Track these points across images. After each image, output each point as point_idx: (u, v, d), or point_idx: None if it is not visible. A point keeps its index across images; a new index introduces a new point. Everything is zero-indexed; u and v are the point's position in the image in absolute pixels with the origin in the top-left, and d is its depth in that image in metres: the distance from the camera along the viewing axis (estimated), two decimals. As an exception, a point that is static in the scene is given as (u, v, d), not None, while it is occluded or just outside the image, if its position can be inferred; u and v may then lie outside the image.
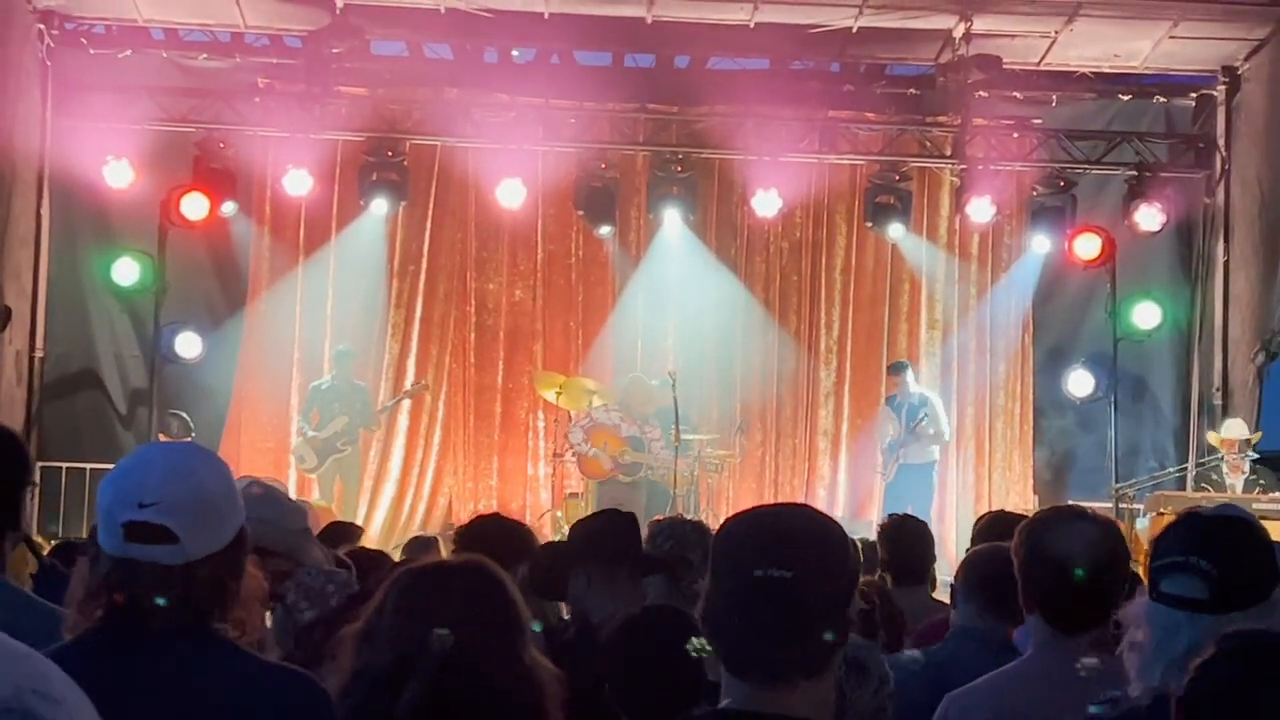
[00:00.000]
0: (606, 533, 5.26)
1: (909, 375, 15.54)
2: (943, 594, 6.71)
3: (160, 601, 2.84)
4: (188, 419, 14.73)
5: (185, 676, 2.86)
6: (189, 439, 13.92)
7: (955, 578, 4.89)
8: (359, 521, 14.11)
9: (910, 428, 15.21)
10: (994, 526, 5.33)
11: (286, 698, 2.94)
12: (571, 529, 5.71)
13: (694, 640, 2.53)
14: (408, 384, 16.27)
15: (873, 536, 6.93)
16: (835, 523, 2.63)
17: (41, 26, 14.96)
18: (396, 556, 7.33)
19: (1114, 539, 3.78)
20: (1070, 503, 8.84)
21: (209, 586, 2.88)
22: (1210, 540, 2.98)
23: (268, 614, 4.04)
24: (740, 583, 2.47)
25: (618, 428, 14.83)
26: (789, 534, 2.53)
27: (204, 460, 2.99)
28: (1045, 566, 3.72)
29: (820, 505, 15.94)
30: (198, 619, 2.88)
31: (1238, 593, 2.89)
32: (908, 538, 6.66)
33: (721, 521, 2.70)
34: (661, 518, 6.30)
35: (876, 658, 3.63)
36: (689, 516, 14.12)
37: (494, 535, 5.61)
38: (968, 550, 4.98)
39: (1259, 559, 2.97)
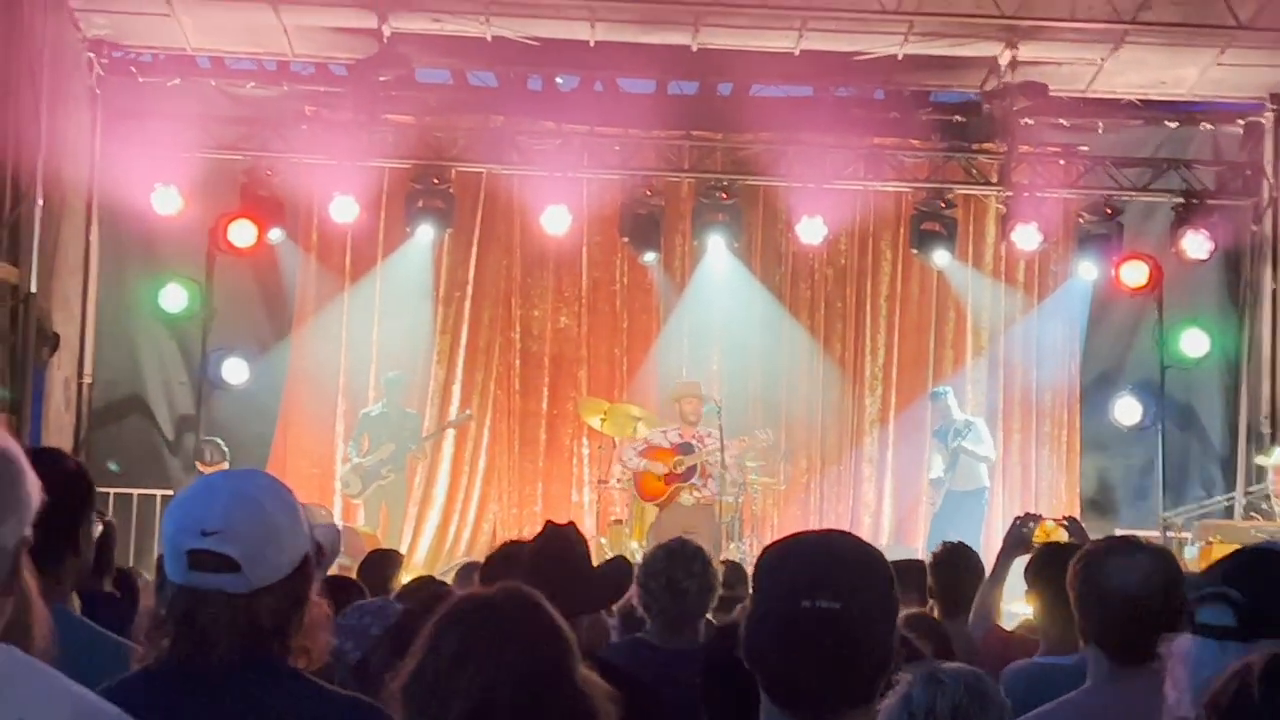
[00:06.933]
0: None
1: (950, 400, 15.47)
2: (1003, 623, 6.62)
3: (224, 630, 2.85)
4: (223, 445, 14.78)
5: (252, 706, 2.86)
6: (224, 466, 13.96)
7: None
8: (403, 548, 14.14)
9: (952, 447, 15.11)
10: (1052, 562, 5.18)
11: None
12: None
13: None
14: (453, 409, 16.32)
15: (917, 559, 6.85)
16: (877, 550, 2.60)
17: (91, 55, 15.08)
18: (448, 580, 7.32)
19: (1172, 570, 3.76)
20: (1119, 533, 8.75)
21: (273, 615, 2.89)
22: (1243, 571, 2.97)
23: None
24: (787, 613, 2.44)
25: (667, 443, 14.75)
26: (837, 564, 2.50)
27: (268, 488, 2.99)
28: (1103, 599, 3.70)
29: (865, 532, 15.93)
30: (262, 647, 2.88)
31: (1268, 621, 2.88)
32: (958, 570, 6.59)
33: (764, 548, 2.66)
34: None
35: (993, 684, 3.60)
36: (733, 544, 14.14)
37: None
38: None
39: None
